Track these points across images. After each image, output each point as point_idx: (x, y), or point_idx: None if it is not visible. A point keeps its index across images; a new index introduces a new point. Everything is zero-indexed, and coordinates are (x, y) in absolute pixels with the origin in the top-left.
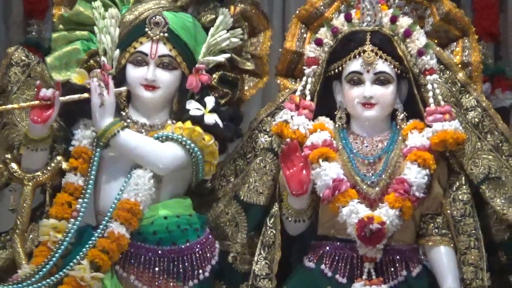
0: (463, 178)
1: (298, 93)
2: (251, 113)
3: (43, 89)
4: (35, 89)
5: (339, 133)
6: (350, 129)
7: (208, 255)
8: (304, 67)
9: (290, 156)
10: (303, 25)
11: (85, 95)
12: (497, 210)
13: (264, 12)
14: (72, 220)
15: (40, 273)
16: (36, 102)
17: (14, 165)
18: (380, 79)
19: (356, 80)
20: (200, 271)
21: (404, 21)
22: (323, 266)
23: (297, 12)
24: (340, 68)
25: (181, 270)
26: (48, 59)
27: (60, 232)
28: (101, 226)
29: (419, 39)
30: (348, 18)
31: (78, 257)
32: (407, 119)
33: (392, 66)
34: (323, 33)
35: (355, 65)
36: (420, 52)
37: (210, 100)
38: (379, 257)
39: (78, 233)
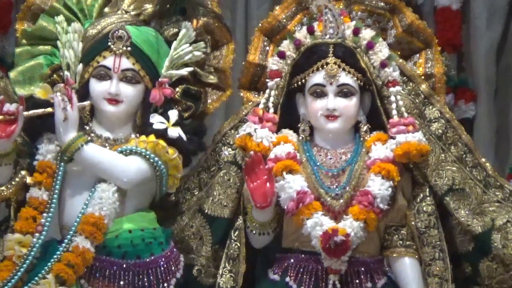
0: (427, 189)
1: (261, 106)
2: (214, 126)
3: (7, 103)
4: None
5: (303, 146)
6: (313, 142)
7: (173, 268)
8: (267, 80)
9: (254, 169)
10: (266, 38)
11: (49, 109)
12: (462, 222)
13: (226, 26)
14: (37, 234)
15: (6, 287)
16: (0, 117)
17: None
18: (343, 91)
19: (319, 92)
20: (165, 284)
21: (367, 33)
22: (287, 279)
23: (260, 25)
24: (303, 80)
25: (146, 284)
26: (12, 74)
27: (25, 246)
28: (65, 240)
29: (382, 51)
30: (311, 31)
31: (43, 271)
32: (370, 131)
33: (355, 78)
34: (286, 45)
35: (318, 77)
36: (383, 64)
37: (173, 114)
38: (343, 269)
39: (43, 247)
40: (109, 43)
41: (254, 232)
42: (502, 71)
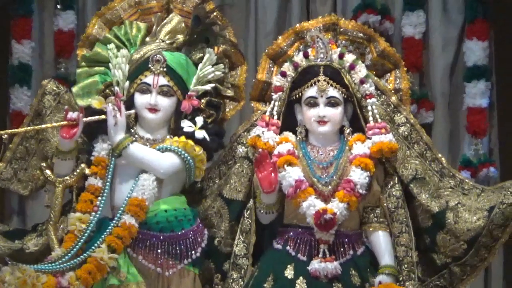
0: (396, 178)
1: (267, 113)
2: (231, 129)
3: (70, 112)
4: (64, 112)
5: (300, 144)
6: (308, 141)
7: (199, 239)
8: (272, 94)
9: (262, 162)
10: (271, 61)
11: (103, 116)
12: (423, 203)
13: (241, 51)
14: (93, 213)
15: (69, 254)
16: (65, 122)
17: (48, 171)
18: (331, 102)
19: (312, 103)
20: (193, 252)
21: (349, 57)
22: (288, 247)
23: (266, 51)
24: (300, 94)
25: (178, 251)
26: (74, 89)
27: (84, 223)
28: (116, 218)
29: (361, 71)
30: (306, 55)
31: (98, 242)
32: (352, 133)
33: (340, 92)
34: (287, 67)
35: (311, 91)
36: (361, 81)
37: (199, 120)
38: (331, 240)
39: (98, 223)
40: (150, 65)
41: (262, 211)
42: (454, 87)
